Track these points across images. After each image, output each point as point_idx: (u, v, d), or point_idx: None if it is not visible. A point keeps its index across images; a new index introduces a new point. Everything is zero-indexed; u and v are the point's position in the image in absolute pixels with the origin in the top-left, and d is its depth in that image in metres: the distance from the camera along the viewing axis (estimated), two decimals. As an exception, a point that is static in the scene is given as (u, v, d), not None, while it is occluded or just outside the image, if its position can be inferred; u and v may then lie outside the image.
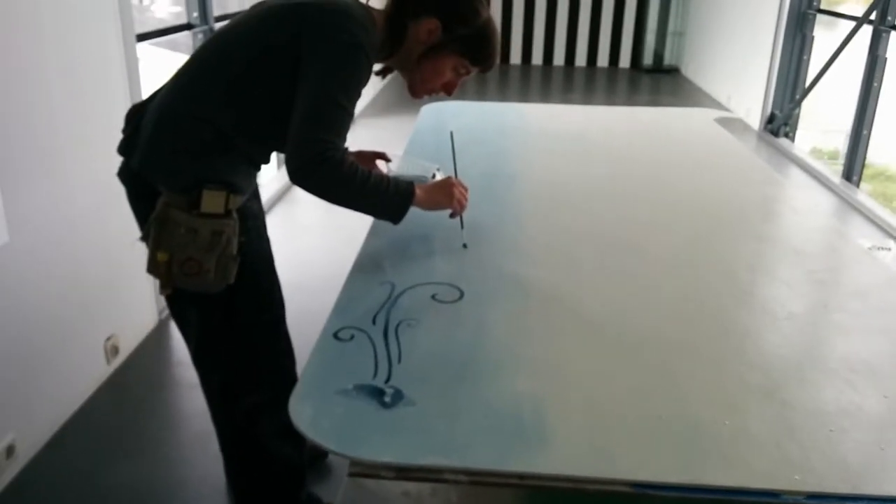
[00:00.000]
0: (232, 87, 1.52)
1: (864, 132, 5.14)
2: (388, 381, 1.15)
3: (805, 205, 2.08)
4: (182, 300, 1.61)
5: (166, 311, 2.86)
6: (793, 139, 6.46)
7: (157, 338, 2.98)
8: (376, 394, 1.11)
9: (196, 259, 1.48)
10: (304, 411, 1.08)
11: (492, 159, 2.38)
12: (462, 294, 1.45)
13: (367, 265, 1.57)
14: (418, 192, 1.56)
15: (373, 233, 1.74)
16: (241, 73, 1.51)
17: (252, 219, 1.63)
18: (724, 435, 1.04)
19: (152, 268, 1.51)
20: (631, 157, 2.51)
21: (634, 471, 0.96)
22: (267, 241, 1.72)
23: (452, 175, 1.69)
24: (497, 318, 1.36)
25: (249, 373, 1.70)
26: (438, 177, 1.81)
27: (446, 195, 1.64)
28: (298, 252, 3.80)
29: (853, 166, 5.20)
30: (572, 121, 3.02)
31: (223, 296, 1.54)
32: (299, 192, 1.56)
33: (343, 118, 1.45)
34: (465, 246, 1.67)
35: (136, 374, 2.75)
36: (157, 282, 1.53)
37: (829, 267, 1.68)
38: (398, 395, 1.11)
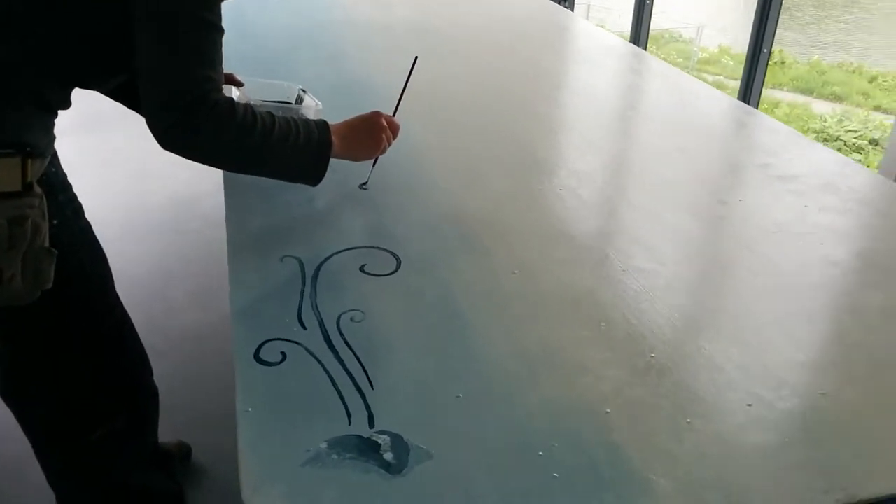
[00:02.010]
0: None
1: (647, 2, 5.19)
2: (372, 423, 0.79)
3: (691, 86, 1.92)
4: (-26, 322, 1.09)
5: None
6: (572, 8, 6.46)
7: None
8: (368, 451, 0.75)
9: (-11, 264, 0.98)
10: (271, 507, 0.69)
11: (333, 66, 1.94)
12: (399, 261, 1.09)
13: (246, 236, 1.14)
14: (335, 139, 1.14)
15: (228, 185, 1.29)
16: None
17: (62, 191, 1.12)
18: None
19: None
20: (486, 44, 2.19)
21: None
22: (84, 217, 1.21)
23: (377, 109, 1.24)
24: (459, 289, 1.03)
25: (93, 400, 1.23)
26: (307, 100, 1.38)
27: (373, 140, 1.21)
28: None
29: (640, 32, 5.28)
30: (402, 11, 2.61)
31: (41, 307, 1.05)
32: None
33: (216, 41, 0.99)
34: (364, 186, 1.29)
35: None
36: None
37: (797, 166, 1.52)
38: (400, 447, 0.75)
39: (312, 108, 1.35)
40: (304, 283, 1.02)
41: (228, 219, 1.19)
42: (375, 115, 1.22)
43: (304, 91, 1.39)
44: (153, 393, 1.34)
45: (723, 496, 0.72)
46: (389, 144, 1.25)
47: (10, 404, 1.22)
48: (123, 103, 1.26)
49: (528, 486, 0.72)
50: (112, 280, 1.23)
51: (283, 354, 0.88)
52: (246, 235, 1.14)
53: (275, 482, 0.71)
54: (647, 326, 0.96)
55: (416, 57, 1.31)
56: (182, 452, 1.71)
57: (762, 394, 0.85)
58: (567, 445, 0.77)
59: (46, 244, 1.02)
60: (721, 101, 1.86)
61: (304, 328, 0.93)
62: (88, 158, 3.37)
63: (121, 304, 1.26)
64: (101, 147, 3.39)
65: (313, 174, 1.13)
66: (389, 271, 1.06)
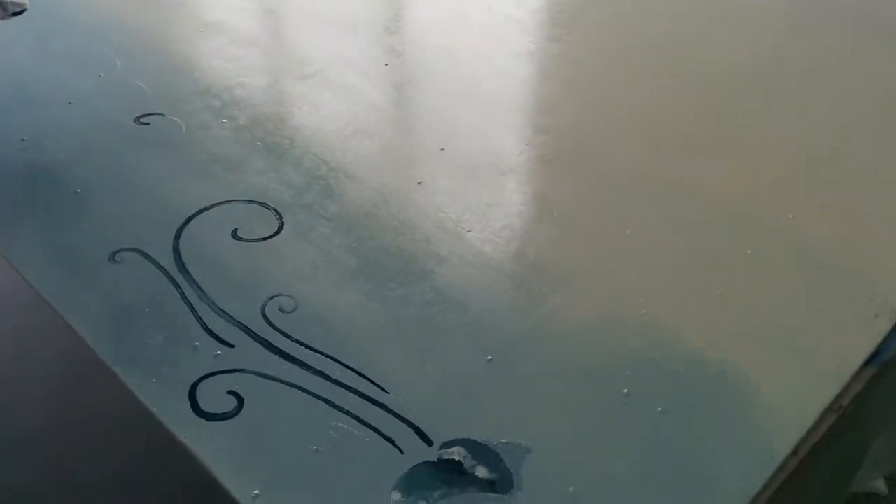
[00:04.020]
0: None
1: None
2: (428, 440, 0.59)
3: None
4: None
5: None
6: None
7: None
8: (455, 477, 0.56)
9: None
10: None
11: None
12: (275, 211, 0.82)
13: (22, 240, 0.78)
14: None
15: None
16: None
17: None
18: None
19: None
20: None
21: None
22: None
23: None
24: (375, 222, 0.81)
25: None
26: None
27: None
28: None
29: None
30: None
31: None
32: None
33: None
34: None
35: None
36: None
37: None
38: (485, 453, 0.57)
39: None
40: (175, 283, 0.72)
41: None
42: None
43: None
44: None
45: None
46: None
47: None
48: None
49: (642, 431, 0.60)
50: None
51: (237, 395, 0.62)
52: (21, 239, 0.78)
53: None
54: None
55: None
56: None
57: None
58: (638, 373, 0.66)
59: None
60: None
61: (231, 346, 0.66)
62: None
63: None
64: None
65: None
66: (274, 228, 0.80)
